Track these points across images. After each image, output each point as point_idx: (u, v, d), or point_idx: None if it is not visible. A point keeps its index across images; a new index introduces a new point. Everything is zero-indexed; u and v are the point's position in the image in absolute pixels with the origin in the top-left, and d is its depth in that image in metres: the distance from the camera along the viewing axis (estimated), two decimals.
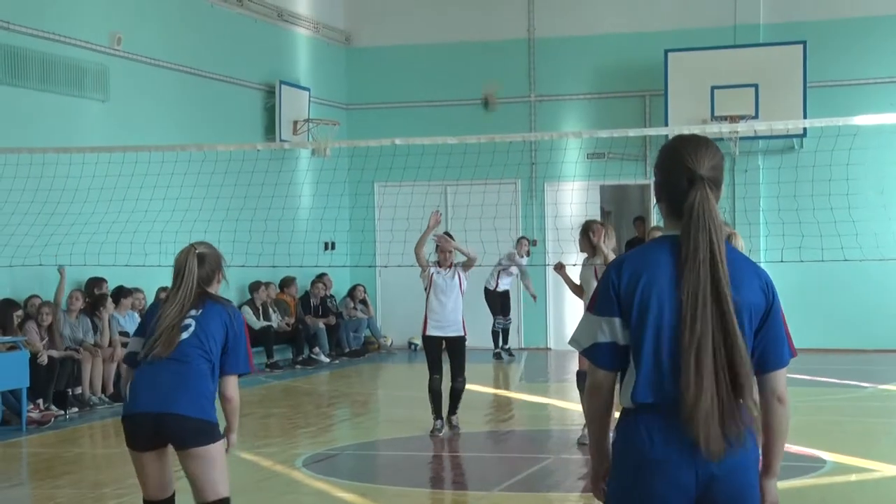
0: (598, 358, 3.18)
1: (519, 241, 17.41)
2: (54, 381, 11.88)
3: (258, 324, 16.30)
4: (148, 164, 12.46)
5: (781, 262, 12.22)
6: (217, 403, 5.30)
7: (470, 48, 19.25)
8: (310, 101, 18.09)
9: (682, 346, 3.01)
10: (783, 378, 3.21)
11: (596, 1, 18.76)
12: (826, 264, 12.80)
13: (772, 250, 15.18)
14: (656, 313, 3.08)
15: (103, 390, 12.77)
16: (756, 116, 16.89)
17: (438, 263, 10.58)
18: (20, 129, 12.79)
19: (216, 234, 12.70)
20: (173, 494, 5.29)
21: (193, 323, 5.23)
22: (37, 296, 12.58)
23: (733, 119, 16.69)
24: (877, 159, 16.93)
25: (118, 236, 12.36)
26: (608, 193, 19.57)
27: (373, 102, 19.58)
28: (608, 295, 3.16)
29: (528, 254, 17.53)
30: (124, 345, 13.07)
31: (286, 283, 17.26)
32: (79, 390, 12.39)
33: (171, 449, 5.18)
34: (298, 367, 16.67)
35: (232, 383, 5.30)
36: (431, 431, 10.28)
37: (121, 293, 13.75)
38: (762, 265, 11.21)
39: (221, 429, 5.29)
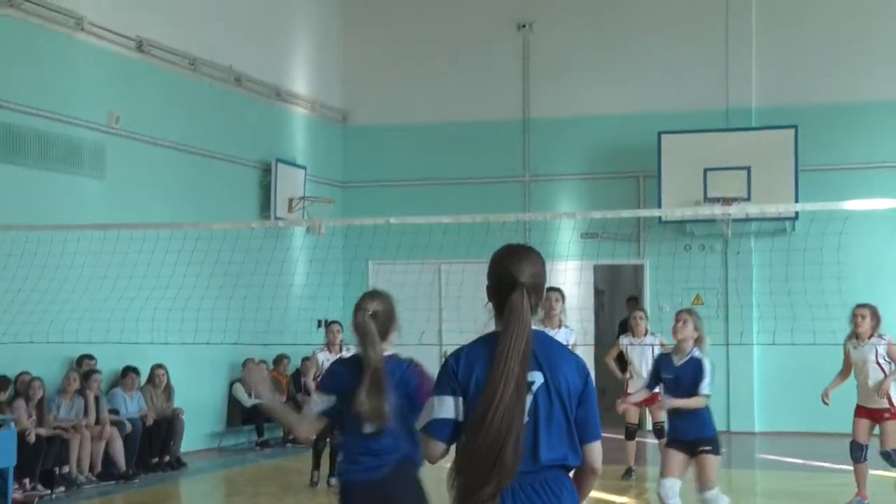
0: (436, 431, 3.63)
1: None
2: (41, 460, 11.79)
3: (249, 401, 16.23)
4: (143, 242, 12.51)
5: (774, 344, 12.25)
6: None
7: (465, 128, 19.42)
8: (306, 178, 18.20)
9: (496, 420, 3.50)
10: (598, 451, 3.70)
11: (590, 82, 18.96)
12: (818, 347, 12.79)
13: (764, 332, 15.15)
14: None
15: (91, 469, 12.68)
16: (748, 199, 16.98)
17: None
18: (16, 206, 12.83)
19: (209, 312, 12.75)
20: None
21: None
22: (27, 372, 12.53)
23: (726, 201, 16.78)
24: (866, 244, 17.00)
25: (111, 314, 12.36)
26: (602, 273, 19.63)
27: (368, 180, 19.71)
28: (448, 379, 3.67)
29: None
30: (114, 423, 13.03)
31: (278, 360, 17.21)
32: (66, 469, 12.29)
33: None
34: (289, 445, 16.56)
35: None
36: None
37: (128, 373, 13.81)
38: (754, 347, 11.01)
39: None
